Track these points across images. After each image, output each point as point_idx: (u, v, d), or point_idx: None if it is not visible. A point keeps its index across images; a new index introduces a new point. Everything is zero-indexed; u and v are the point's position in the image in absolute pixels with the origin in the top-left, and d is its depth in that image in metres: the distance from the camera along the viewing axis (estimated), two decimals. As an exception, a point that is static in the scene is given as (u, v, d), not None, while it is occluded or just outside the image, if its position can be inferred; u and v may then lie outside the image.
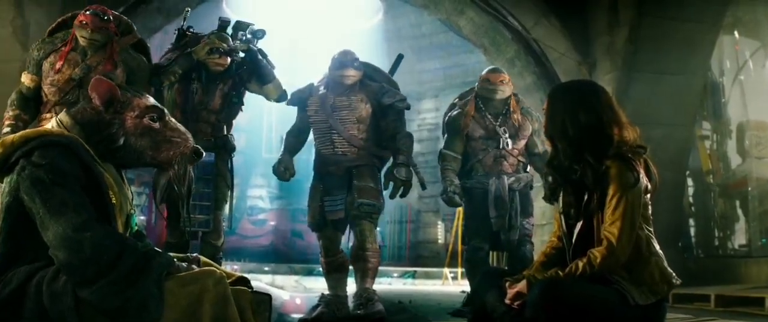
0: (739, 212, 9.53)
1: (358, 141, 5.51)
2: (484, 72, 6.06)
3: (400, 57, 5.93)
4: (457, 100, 6.30)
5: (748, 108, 9.69)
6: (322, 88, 5.64)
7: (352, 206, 5.38)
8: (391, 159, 5.61)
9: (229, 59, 5.28)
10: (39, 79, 4.89)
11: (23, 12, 6.41)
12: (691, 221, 9.54)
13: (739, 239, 9.59)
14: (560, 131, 2.86)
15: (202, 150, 2.60)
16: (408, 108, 5.73)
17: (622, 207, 2.69)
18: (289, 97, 5.62)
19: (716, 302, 6.37)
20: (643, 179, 2.78)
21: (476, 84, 6.04)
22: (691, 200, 9.55)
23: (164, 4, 8.03)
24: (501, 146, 5.81)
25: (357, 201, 5.37)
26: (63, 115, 2.46)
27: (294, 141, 5.80)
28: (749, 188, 9.16)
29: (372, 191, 5.46)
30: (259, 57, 5.42)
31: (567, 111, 2.86)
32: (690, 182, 9.45)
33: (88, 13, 4.77)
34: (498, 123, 5.83)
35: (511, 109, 5.88)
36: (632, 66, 7.89)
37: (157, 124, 2.50)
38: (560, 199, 2.95)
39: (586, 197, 2.81)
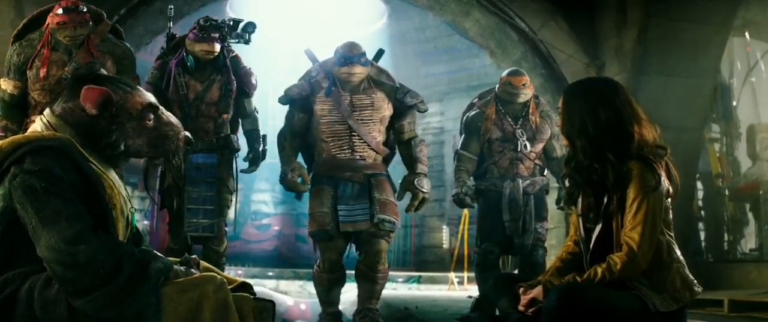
0: (750, 215, 9.40)
1: (377, 144, 5.18)
2: (504, 74, 5.85)
3: (380, 52, 5.55)
4: (476, 99, 6.12)
5: (760, 110, 9.60)
6: (325, 83, 5.18)
7: (371, 220, 5.01)
8: (402, 165, 5.39)
9: (218, 46, 5.17)
10: (23, 85, 4.75)
11: (22, 13, 6.32)
12: (701, 225, 9.42)
13: (750, 243, 9.48)
14: (579, 129, 2.76)
15: (191, 137, 2.53)
16: (426, 111, 5.55)
17: (643, 211, 2.60)
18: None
19: (730, 307, 6.25)
20: (665, 182, 2.68)
21: (496, 86, 5.85)
22: (700, 203, 9.44)
23: (166, 7, 7.91)
24: (518, 149, 5.67)
25: (378, 217, 4.98)
26: (49, 116, 2.33)
27: (294, 144, 5.31)
28: (761, 192, 9.05)
29: (393, 206, 5.11)
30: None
31: (585, 108, 2.76)
32: (699, 185, 9.33)
33: (61, 12, 4.63)
34: (517, 126, 5.71)
35: (530, 111, 5.73)
36: (641, 68, 7.78)
37: (152, 123, 2.41)
38: (579, 202, 2.84)
39: (606, 200, 2.71)
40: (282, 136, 5.33)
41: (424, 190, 5.15)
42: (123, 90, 2.37)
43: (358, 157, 5.12)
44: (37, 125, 2.34)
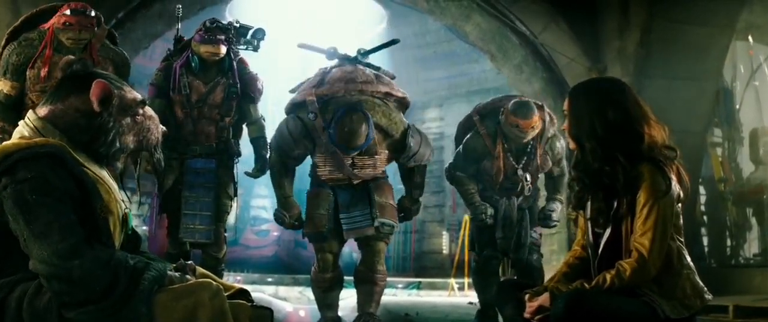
0: (753, 220, 9.33)
1: (375, 173, 5.11)
2: (512, 110, 5.26)
3: (394, 42, 5.49)
4: (476, 116, 5.63)
5: (763, 114, 9.53)
6: (324, 134, 4.94)
7: (373, 224, 4.98)
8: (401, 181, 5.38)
9: (224, 49, 5.10)
10: (21, 86, 4.66)
11: (19, 15, 6.26)
12: (703, 230, 9.36)
13: (753, 248, 9.41)
14: (588, 131, 2.70)
15: (165, 129, 2.53)
16: (429, 161, 5.38)
17: (653, 216, 2.54)
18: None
19: (735, 312, 6.18)
20: (676, 187, 2.61)
21: (501, 115, 5.36)
22: (702, 208, 9.38)
23: (165, 10, 7.89)
24: (518, 190, 5.44)
25: (378, 220, 4.96)
26: (35, 120, 2.25)
27: (290, 177, 5.24)
28: (765, 196, 8.97)
29: (393, 209, 5.09)
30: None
31: (594, 109, 2.70)
32: (701, 189, 9.27)
33: (68, 13, 4.57)
34: (520, 165, 5.42)
35: (538, 153, 5.42)
36: (643, 71, 7.73)
37: (140, 117, 2.38)
38: (587, 206, 2.78)
39: (615, 204, 2.64)
40: (275, 171, 5.25)
41: (415, 213, 5.38)
42: (116, 87, 2.32)
43: (356, 182, 5.08)
44: (24, 130, 2.25)
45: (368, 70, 5.20)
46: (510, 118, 5.26)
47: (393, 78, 5.37)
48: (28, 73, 4.63)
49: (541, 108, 5.40)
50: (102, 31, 4.82)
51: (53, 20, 4.66)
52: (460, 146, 5.72)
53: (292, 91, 5.33)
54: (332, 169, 5.03)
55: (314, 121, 4.95)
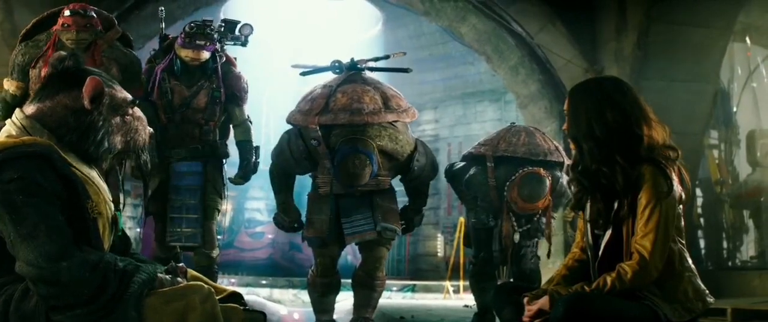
0: (750, 223, 9.32)
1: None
2: (520, 182, 5.10)
3: (405, 70, 5.40)
4: (491, 164, 5.29)
5: (761, 115, 9.52)
6: (327, 160, 4.82)
7: (375, 228, 4.89)
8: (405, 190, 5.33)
9: (206, 54, 5.03)
10: (25, 86, 4.68)
11: (12, 15, 6.26)
12: (700, 233, 9.33)
13: (750, 250, 9.41)
14: (585, 132, 2.66)
15: (152, 130, 2.49)
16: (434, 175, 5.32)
17: (655, 218, 2.50)
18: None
19: (733, 316, 6.14)
20: (677, 188, 2.57)
21: (511, 181, 5.14)
22: (700, 210, 9.35)
23: (159, 10, 7.84)
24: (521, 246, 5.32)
25: (381, 225, 4.85)
26: (23, 119, 2.19)
27: (290, 183, 5.18)
28: (762, 198, 8.96)
29: (396, 214, 5.00)
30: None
31: (592, 110, 2.66)
32: (698, 192, 9.25)
33: (67, 14, 4.55)
34: (520, 227, 5.27)
35: (544, 228, 5.31)
36: (641, 73, 7.71)
37: (130, 118, 2.33)
38: (587, 207, 2.73)
39: (616, 205, 2.59)
40: (274, 178, 5.18)
41: (417, 224, 5.34)
42: (108, 85, 2.27)
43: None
44: (11, 129, 2.19)
45: (377, 95, 4.92)
46: (513, 194, 5.15)
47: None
48: (30, 72, 4.65)
49: (554, 172, 5.26)
50: (113, 32, 4.81)
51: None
52: (466, 173, 5.51)
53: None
54: (331, 187, 4.92)
55: (317, 148, 4.86)
